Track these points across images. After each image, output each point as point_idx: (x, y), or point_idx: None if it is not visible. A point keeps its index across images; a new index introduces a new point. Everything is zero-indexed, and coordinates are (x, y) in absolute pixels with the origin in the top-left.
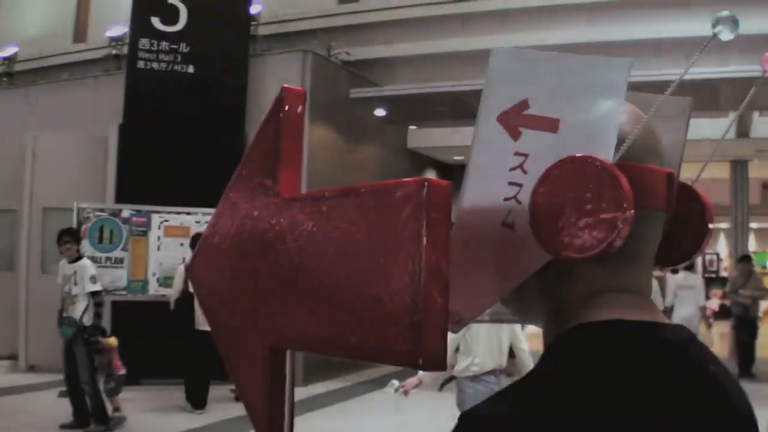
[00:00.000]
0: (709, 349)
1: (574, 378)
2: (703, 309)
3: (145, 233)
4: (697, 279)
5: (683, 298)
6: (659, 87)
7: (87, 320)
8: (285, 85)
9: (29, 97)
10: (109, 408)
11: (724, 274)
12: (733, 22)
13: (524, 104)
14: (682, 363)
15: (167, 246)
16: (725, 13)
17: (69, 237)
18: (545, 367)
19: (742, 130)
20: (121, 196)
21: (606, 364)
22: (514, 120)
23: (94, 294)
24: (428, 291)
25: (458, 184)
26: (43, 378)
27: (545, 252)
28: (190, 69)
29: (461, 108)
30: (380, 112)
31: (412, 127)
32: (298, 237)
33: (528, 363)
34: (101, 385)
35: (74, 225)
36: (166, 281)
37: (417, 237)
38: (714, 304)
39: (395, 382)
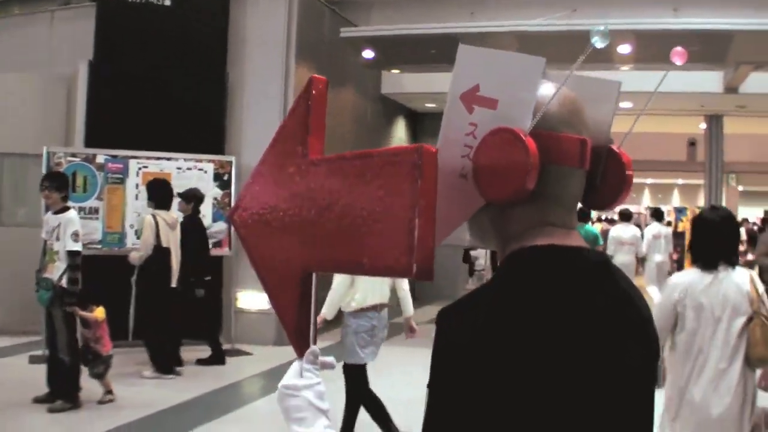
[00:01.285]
0: (619, 268)
1: (519, 283)
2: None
3: (121, 181)
4: (634, 230)
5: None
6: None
7: (67, 283)
8: (313, 75)
9: None
10: (101, 391)
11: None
12: (604, 34)
13: (476, 88)
14: (600, 276)
15: (146, 195)
16: (600, 27)
17: (48, 182)
18: (499, 276)
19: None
20: (92, 141)
21: (541, 274)
22: (470, 99)
23: (70, 254)
24: (421, 223)
25: (428, 131)
26: (6, 341)
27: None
28: (167, 2)
29: (451, 51)
30: (368, 54)
31: (388, 73)
32: (323, 187)
33: (408, 301)
34: (87, 368)
35: (44, 170)
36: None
37: (413, 186)
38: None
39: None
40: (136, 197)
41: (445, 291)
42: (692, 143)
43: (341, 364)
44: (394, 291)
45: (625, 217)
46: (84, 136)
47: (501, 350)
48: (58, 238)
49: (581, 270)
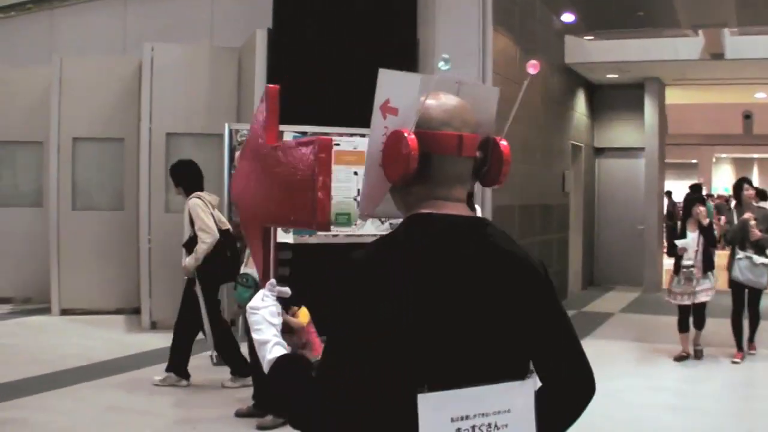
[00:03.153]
0: (498, 231)
1: (404, 238)
2: None
3: None
4: None
5: None
6: None
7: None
8: (267, 85)
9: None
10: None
11: None
12: (446, 60)
13: (388, 100)
14: (466, 232)
15: (338, 175)
16: (445, 55)
17: None
18: (392, 232)
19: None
20: None
21: (421, 231)
22: (384, 109)
23: (281, 247)
24: (319, 193)
25: (606, 102)
26: None
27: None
28: None
29: (661, 13)
30: (568, 17)
31: (573, 41)
32: (271, 164)
33: None
34: None
35: (226, 151)
36: (338, 218)
37: (312, 165)
38: None
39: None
40: None
41: (630, 275)
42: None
43: None
44: None
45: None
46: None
47: (365, 275)
48: None
49: (446, 228)
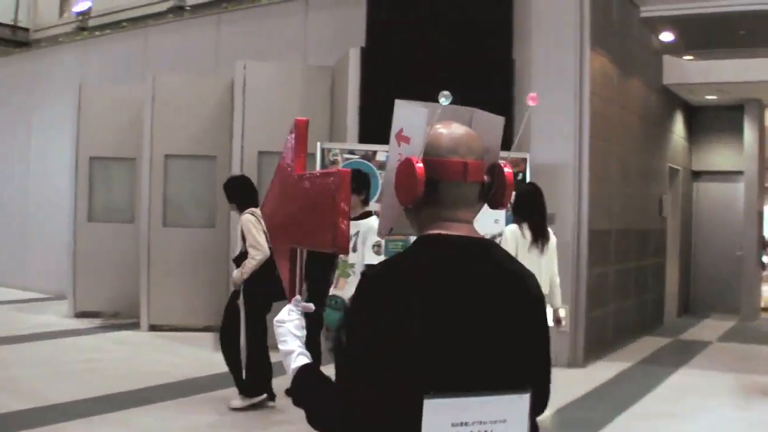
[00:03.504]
0: (501, 251)
1: (412, 256)
2: None
3: None
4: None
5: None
6: None
7: None
8: (296, 118)
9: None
10: None
11: None
12: (446, 97)
13: (401, 130)
14: (472, 251)
15: None
16: (446, 92)
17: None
18: (402, 252)
19: None
20: (365, 136)
21: (428, 250)
22: (399, 138)
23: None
24: (337, 219)
25: (704, 125)
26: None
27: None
28: None
29: (761, 32)
30: (667, 36)
31: (671, 62)
32: (298, 191)
33: (557, 293)
34: None
35: (317, 169)
36: None
37: (333, 195)
38: None
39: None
40: None
41: (727, 302)
42: None
43: None
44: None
45: None
46: (357, 130)
47: (386, 290)
48: (354, 249)
49: (452, 247)
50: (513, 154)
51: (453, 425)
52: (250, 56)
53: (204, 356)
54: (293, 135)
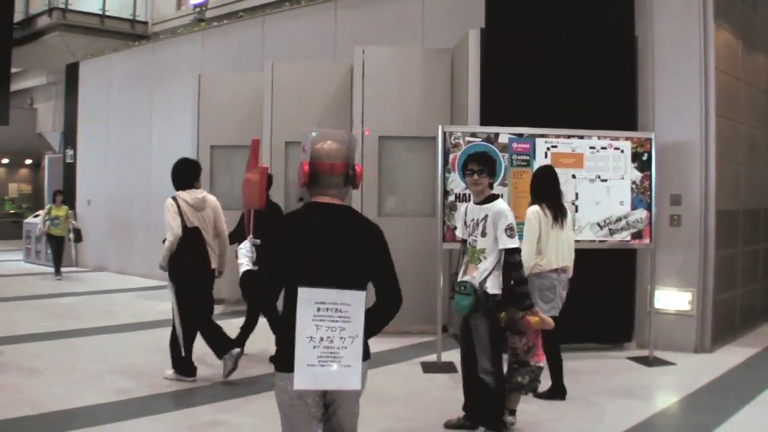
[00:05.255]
0: (356, 213)
1: (302, 210)
2: None
3: (528, 163)
4: None
5: None
6: None
7: (492, 287)
8: (253, 137)
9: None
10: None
11: None
12: (315, 131)
13: (304, 144)
14: (333, 210)
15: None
16: (315, 130)
17: (479, 165)
18: (298, 209)
19: None
20: (486, 119)
21: (309, 208)
22: (303, 149)
23: (510, 252)
24: (260, 191)
25: None
26: (394, 343)
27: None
28: None
29: None
30: None
31: None
32: (248, 176)
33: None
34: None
35: (439, 153)
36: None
37: (259, 177)
38: None
39: None
40: None
41: None
42: None
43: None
44: None
45: None
46: (479, 112)
47: (282, 225)
48: (484, 234)
49: (320, 207)
50: (641, 134)
51: (316, 303)
52: (367, 41)
53: None
54: (251, 149)
